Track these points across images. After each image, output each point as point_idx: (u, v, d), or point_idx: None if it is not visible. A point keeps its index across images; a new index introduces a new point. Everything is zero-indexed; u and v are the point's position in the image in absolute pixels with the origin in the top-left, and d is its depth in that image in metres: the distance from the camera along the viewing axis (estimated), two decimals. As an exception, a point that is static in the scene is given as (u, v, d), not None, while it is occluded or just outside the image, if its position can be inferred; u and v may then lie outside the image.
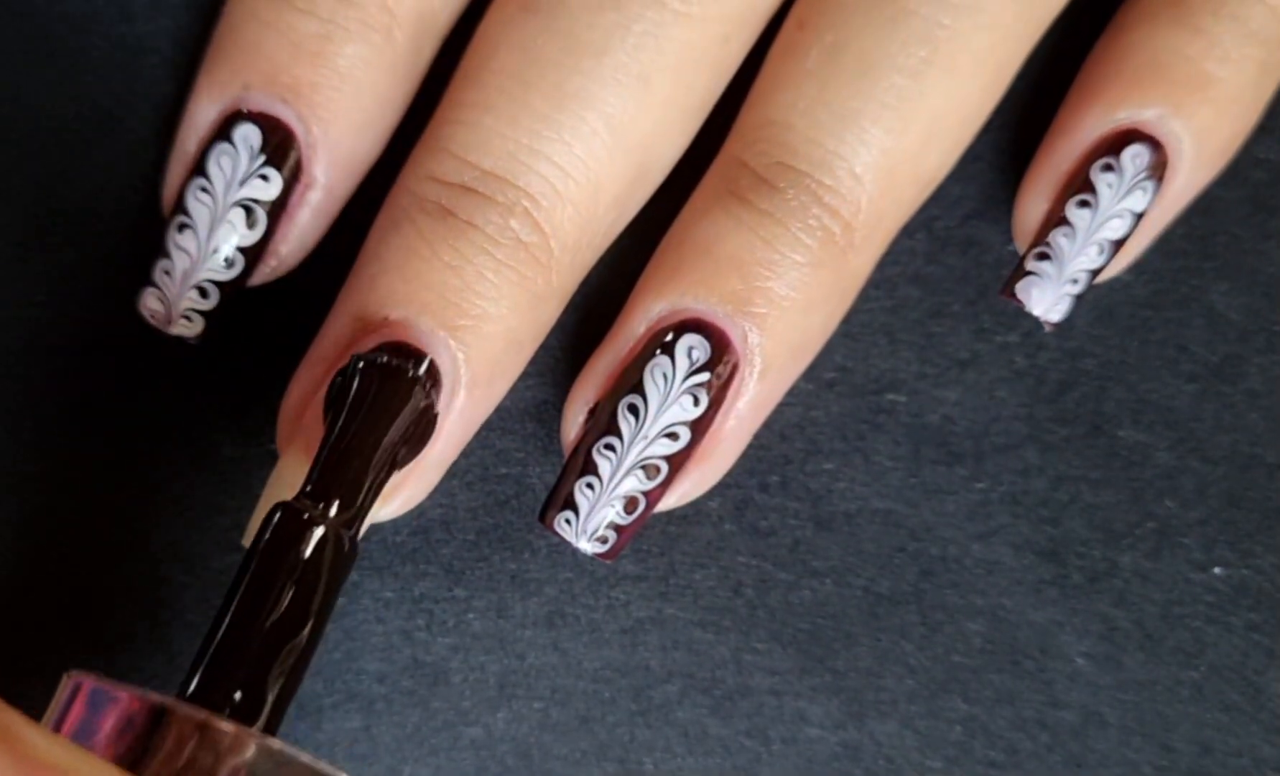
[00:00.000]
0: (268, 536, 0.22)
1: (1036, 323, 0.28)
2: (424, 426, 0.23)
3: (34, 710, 0.27)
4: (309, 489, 0.22)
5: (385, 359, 0.23)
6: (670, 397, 0.24)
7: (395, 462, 0.23)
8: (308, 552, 0.21)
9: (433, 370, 0.23)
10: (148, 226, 0.27)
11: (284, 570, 0.21)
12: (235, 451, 0.27)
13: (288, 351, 0.27)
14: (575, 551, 0.27)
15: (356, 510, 0.22)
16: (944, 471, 0.28)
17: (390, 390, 0.23)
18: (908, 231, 0.28)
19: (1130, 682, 0.27)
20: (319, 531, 0.22)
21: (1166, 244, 0.28)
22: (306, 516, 0.22)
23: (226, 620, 0.21)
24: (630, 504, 0.25)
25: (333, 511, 0.22)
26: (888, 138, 0.24)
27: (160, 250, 0.25)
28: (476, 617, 0.27)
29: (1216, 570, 0.28)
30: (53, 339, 0.27)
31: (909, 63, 0.24)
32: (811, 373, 0.27)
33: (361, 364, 0.23)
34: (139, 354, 0.27)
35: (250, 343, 0.27)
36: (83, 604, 0.27)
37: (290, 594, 0.21)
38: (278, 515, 0.22)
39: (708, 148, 0.26)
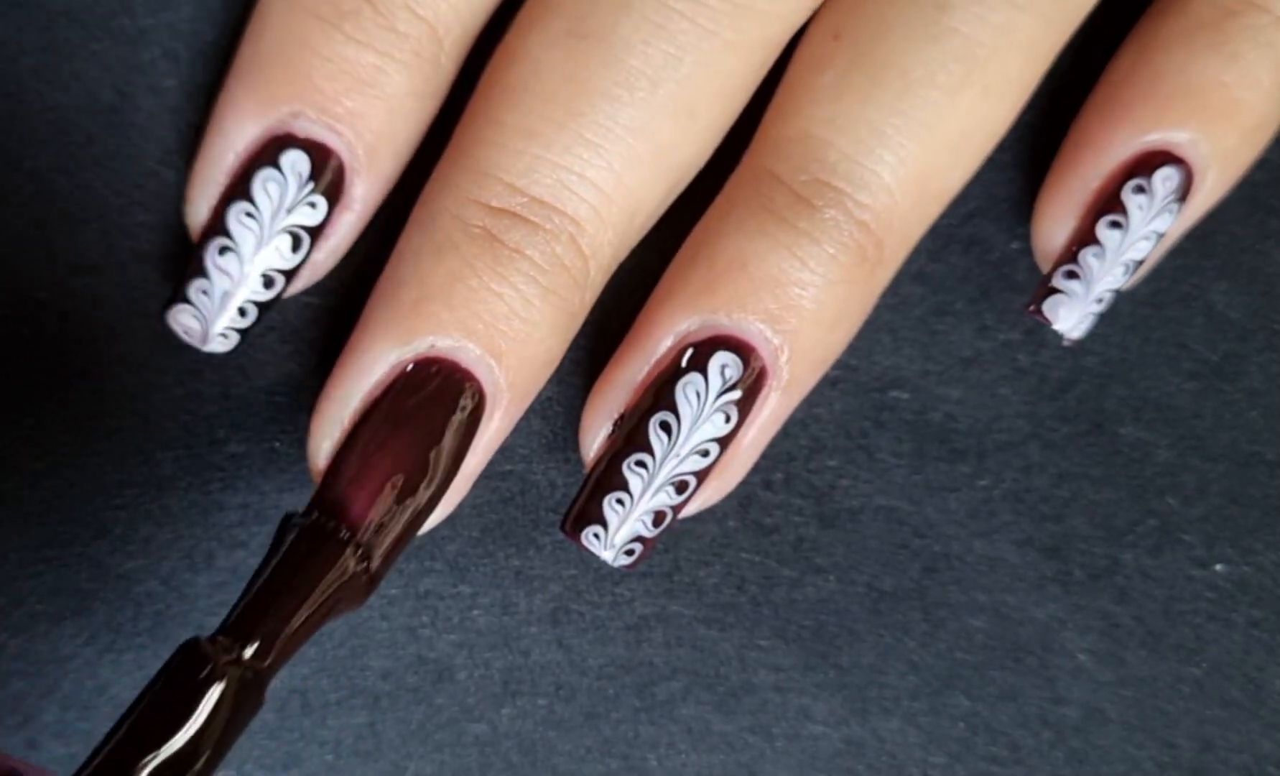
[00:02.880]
0: (169, 671, 0.21)
1: (1039, 322, 0.28)
2: (458, 450, 0.24)
3: (33, 706, 0.27)
4: (225, 627, 0.22)
5: (320, 521, 0.23)
6: (703, 416, 0.24)
7: (322, 621, 0.22)
8: (208, 694, 0.21)
9: (479, 394, 0.24)
10: (149, 220, 0.27)
11: (179, 708, 0.21)
12: (238, 449, 0.27)
13: (292, 349, 0.27)
14: (581, 549, 0.27)
15: (269, 662, 0.22)
16: (947, 469, 0.28)
17: (320, 555, 0.22)
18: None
19: (1132, 679, 0.28)
20: (223, 675, 0.21)
21: (1167, 242, 0.28)
22: (212, 657, 0.21)
23: (105, 753, 0.21)
24: (658, 517, 0.25)
25: (246, 655, 0.21)
26: (922, 154, 0.24)
27: (196, 269, 0.25)
28: (481, 614, 0.27)
29: (1218, 567, 0.28)
30: (55, 334, 0.27)
31: (949, 81, 0.24)
32: (816, 371, 0.28)
33: (295, 525, 0.22)
34: (142, 350, 0.27)
35: (255, 341, 0.27)
36: (84, 602, 0.27)
37: (183, 735, 0.21)
38: (184, 651, 0.21)
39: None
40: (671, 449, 0.24)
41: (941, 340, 0.28)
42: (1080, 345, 0.28)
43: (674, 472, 0.24)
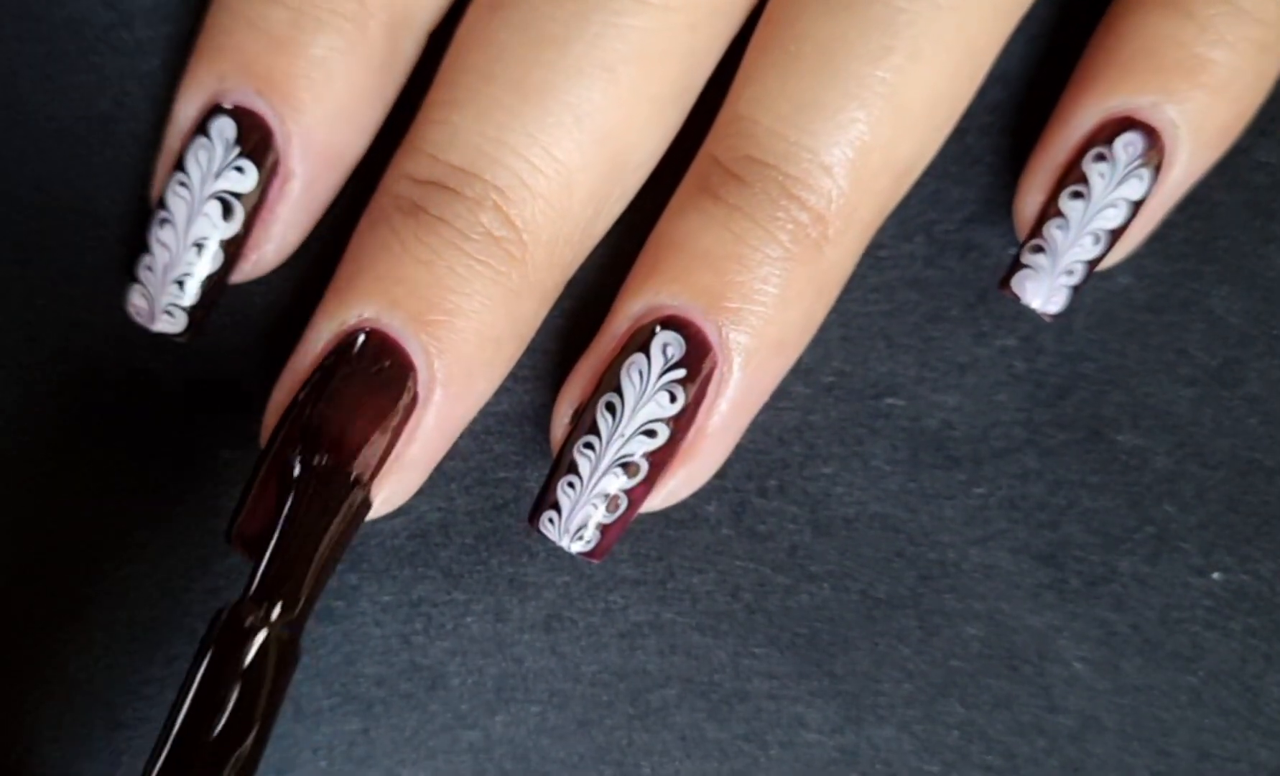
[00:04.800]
0: (212, 643, 0.22)
1: (1036, 325, 0.28)
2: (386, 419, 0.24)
3: (30, 710, 0.27)
4: (252, 592, 0.23)
5: (321, 460, 0.23)
6: (646, 395, 0.24)
7: (338, 557, 0.23)
8: (251, 659, 0.22)
9: (407, 365, 0.24)
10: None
11: (229, 677, 0.22)
12: (233, 455, 0.27)
13: (286, 355, 0.27)
14: (574, 555, 0.27)
15: (299, 610, 0.23)
16: (942, 476, 0.28)
17: (327, 493, 0.23)
18: (906, 235, 0.28)
19: (1128, 687, 0.27)
20: (261, 636, 0.22)
21: (1166, 248, 0.28)
22: (249, 622, 0.22)
23: (174, 729, 0.22)
24: (612, 502, 0.25)
25: (275, 614, 0.22)
26: (853, 127, 0.24)
27: (143, 246, 0.25)
28: (475, 621, 0.27)
29: (1215, 575, 0.28)
30: (51, 342, 0.27)
31: (868, 50, 0.24)
32: (809, 377, 0.27)
33: (298, 471, 0.23)
34: (137, 357, 0.27)
35: (248, 346, 0.27)
36: (81, 606, 0.27)
37: (235, 701, 0.22)
38: (223, 617, 0.22)
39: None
40: (616, 429, 0.24)
41: (937, 346, 0.28)
42: (1078, 351, 0.28)
43: (620, 453, 0.24)
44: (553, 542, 0.25)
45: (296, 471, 0.23)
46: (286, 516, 0.23)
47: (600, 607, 0.27)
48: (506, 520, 0.27)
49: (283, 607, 0.22)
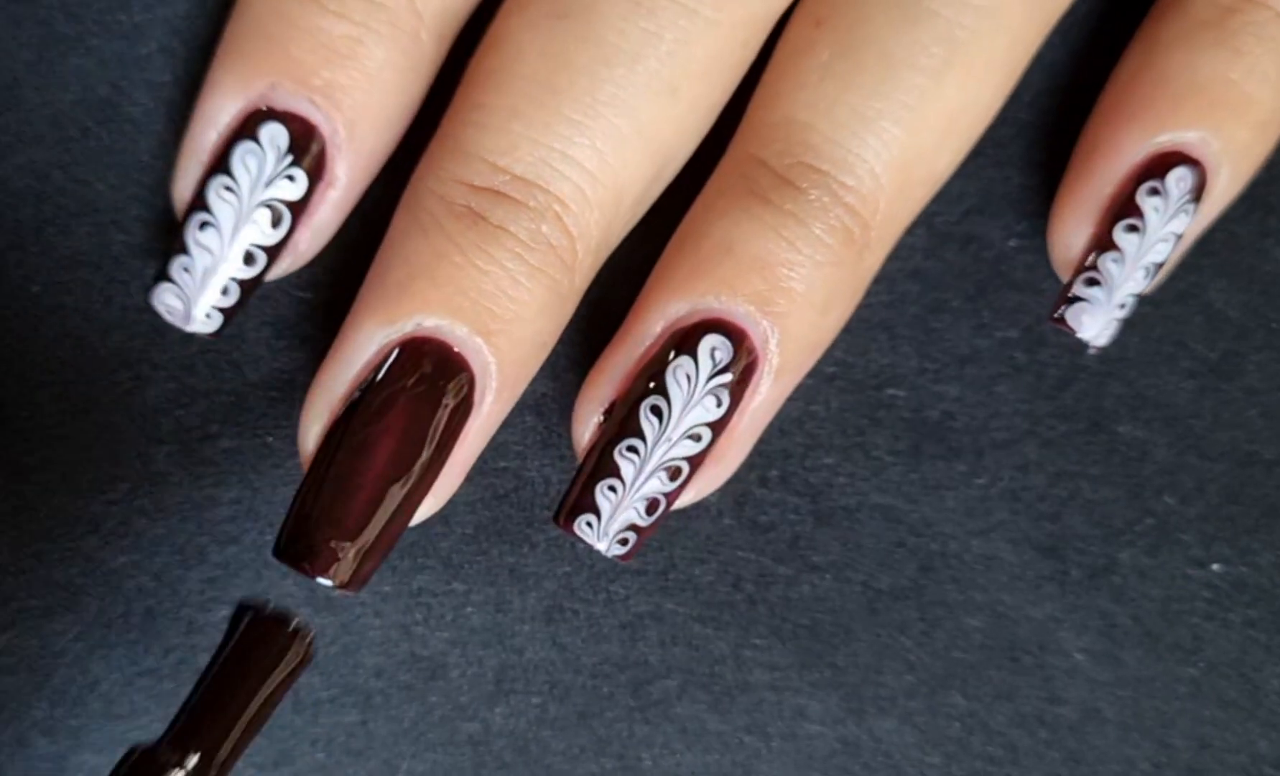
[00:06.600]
0: None
1: (1037, 317, 0.28)
2: (447, 439, 0.23)
3: (25, 702, 0.26)
4: (170, 736, 0.21)
5: (270, 609, 0.22)
6: (694, 399, 0.24)
7: (268, 715, 0.22)
8: None
9: (464, 372, 0.23)
10: (144, 215, 0.27)
11: None
12: (231, 443, 0.27)
13: (286, 343, 0.27)
14: (574, 545, 0.27)
15: (218, 766, 0.21)
16: (943, 467, 0.28)
17: (269, 644, 0.22)
18: (907, 227, 0.28)
19: (1129, 679, 0.27)
20: None
21: (1166, 241, 0.28)
22: (161, 764, 0.21)
23: None
24: (651, 505, 0.24)
25: (191, 763, 0.21)
26: (906, 137, 0.24)
27: (178, 247, 0.24)
28: (474, 612, 0.27)
29: (1215, 566, 0.28)
30: (49, 329, 0.27)
31: (930, 63, 0.24)
32: (812, 368, 0.27)
33: (249, 617, 0.22)
34: (134, 344, 0.27)
35: (247, 334, 0.27)
36: (76, 596, 0.26)
37: None
38: (134, 757, 0.21)
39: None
40: (663, 433, 0.24)
41: (938, 338, 0.28)
42: (1078, 343, 0.28)
43: (666, 457, 0.24)
44: (586, 544, 0.25)
45: (246, 619, 0.22)
46: (219, 661, 0.22)
47: (601, 598, 0.27)
48: (507, 510, 0.27)
49: (200, 759, 0.21)
